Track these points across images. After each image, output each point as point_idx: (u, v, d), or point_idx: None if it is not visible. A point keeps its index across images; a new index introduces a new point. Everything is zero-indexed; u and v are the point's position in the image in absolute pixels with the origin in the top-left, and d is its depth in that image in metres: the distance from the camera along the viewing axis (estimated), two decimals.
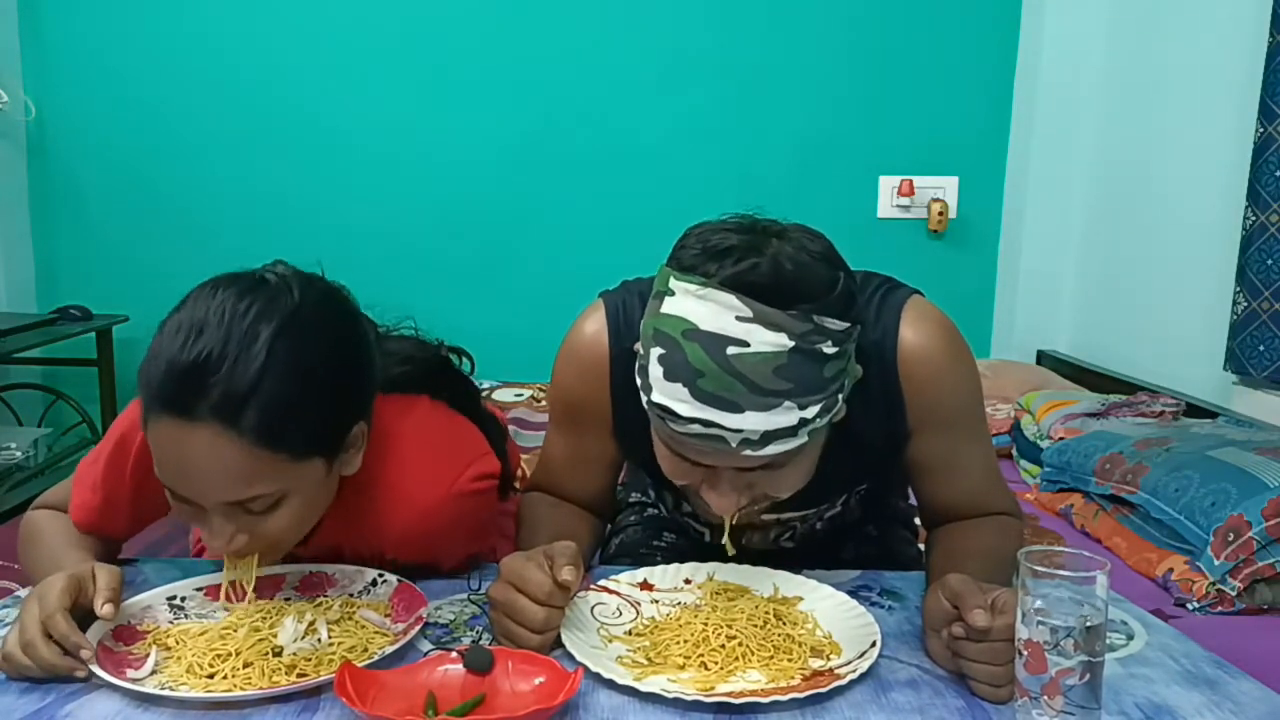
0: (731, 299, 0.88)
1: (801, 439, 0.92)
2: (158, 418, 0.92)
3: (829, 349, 0.91)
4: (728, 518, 1.03)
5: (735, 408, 0.89)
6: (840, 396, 0.95)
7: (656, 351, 0.92)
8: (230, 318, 0.92)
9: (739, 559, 1.15)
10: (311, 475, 0.99)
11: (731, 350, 0.88)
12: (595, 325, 1.14)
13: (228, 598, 1.04)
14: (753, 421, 0.89)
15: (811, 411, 0.91)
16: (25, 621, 0.92)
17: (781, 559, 1.38)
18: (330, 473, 1.02)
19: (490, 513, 1.21)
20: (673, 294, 0.92)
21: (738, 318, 0.88)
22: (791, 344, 0.89)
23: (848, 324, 0.93)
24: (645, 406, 0.96)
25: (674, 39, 3.28)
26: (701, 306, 0.90)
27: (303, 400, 0.94)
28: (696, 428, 0.90)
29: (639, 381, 0.96)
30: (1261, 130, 2.24)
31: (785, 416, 0.90)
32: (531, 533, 1.16)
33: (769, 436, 0.90)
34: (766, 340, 0.88)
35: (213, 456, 0.91)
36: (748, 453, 0.91)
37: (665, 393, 0.91)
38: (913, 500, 1.47)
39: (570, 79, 3.31)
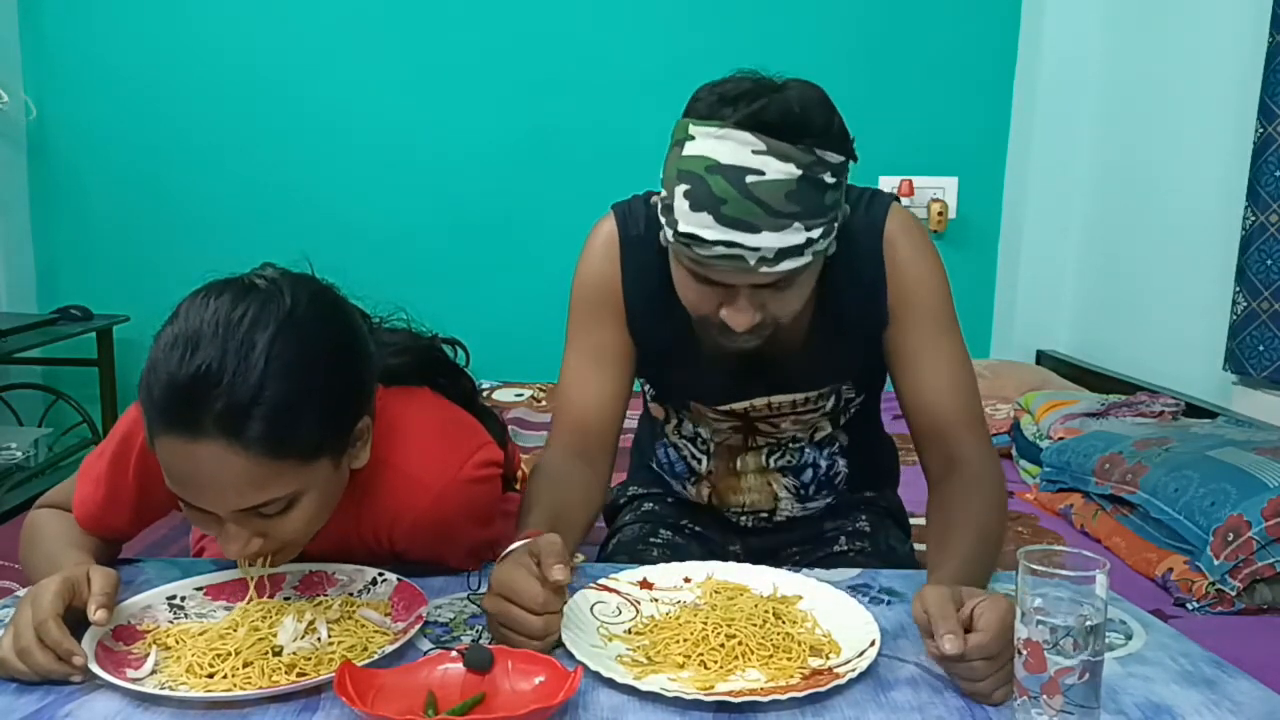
0: (748, 135, 1.02)
1: (807, 258, 1.06)
2: (162, 435, 0.92)
3: (829, 179, 1.05)
4: (745, 334, 1.12)
5: (753, 229, 1.02)
6: (836, 224, 1.09)
7: (681, 188, 1.04)
8: (225, 328, 0.92)
9: (740, 553, 1.15)
10: (321, 474, 0.99)
11: (750, 179, 1.01)
12: (607, 224, 1.29)
13: (259, 590, 1.04)
14: (768, 240, 1.02)
15: (816, 233, 1.05)
16: (19, 626, 0.92)
17: (780, 548, 1.39)
18: (339, 469, 1.02)
19: (496, 500, 1.22)
20: (693, 138, 1.05)
21: (753, 151, 1.02)
22: (800, 172, 1.02)
23: (843, 158, 1.07)
24: (670, 240, 1.09)
25: (674, 38, 3.28)
26: (721, 145, 1.02)
27: (305, 403, 0.94)
28: (720, 249, 1.03)
29: (663, 219, 1.09)
30: (1261, 130, 2.24)
31: (795, 236, 1.03)
32: (527, 509, 1.15)
33: (781, 254, 1.03)
34: (779, 169, 1.02)
35: (221, 469, 0.91)
36: (764, 269, 1.04)
37: (692, 222, 1.04)
38: (907, 500, 1.49)
39: (570, 78, 3.31)
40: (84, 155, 3.33)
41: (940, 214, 3.29)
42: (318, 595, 1.09)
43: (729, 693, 0.89)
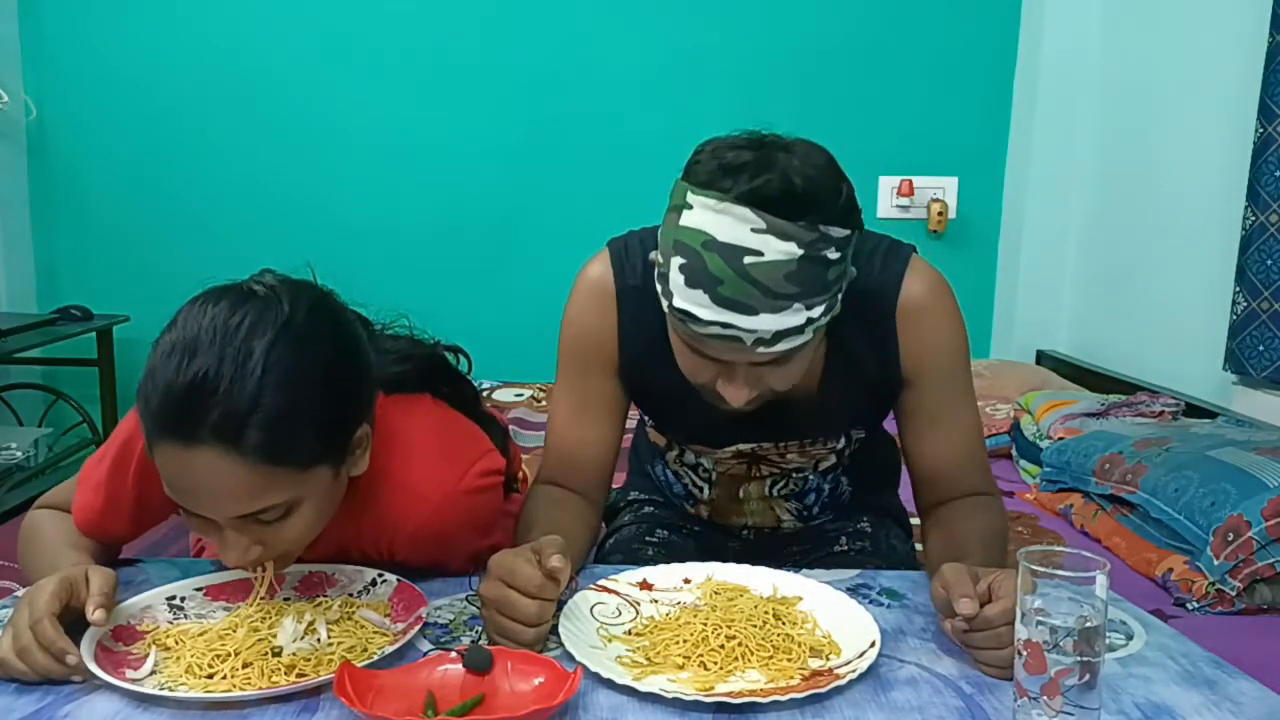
0: (747, 212, 0.97)
1: (808, 335, 1.02)
2: (161, 443, 0.92)
3: (832, 254, 1.00)
4: (741, 405, 1.10)
5: (750, 310, 0.98)
6: (839, 296, 1.05)
7: (677, 260, 1.00)
8: (223, 335, 0.91)
9: (738, 554, 1.15)
10: (319, 482, 0.98)
11: (748, 260, 0.97)
12: (600, 267, 1.23)
13: (270, 594, 1.04)
14: (766, 323, 0.98)
15: (817, 311, 1.01)
16: (17, 626, 0.92)
17: (779, 549, 1.40)
18: (338, 477, 1.02)
19: (497, 509, 1.21)
20: (690, 207, 1.00)
21: (752, 229, 0.97)
22: (800, 252, 0.97)
23: (849, 231, 1.01)
24: (666, 311, 1.04)
25: (674, 38, 3.28)
26: (719, 220, 0.98)
27: (303, 412, 0.94)
28: (716, 329, 0.99)
29: (659, 288, 1.05)
30: (1261, 130, 2.24)
31: (794, 317, 0.99)
32: (526, 528, 1.16)
33: (780, 335, 1.00)
34: (778, 249, 0.97)
35: (219, 477, 0.91)
36: (761, 350, 1.00)
37: (687, 299, 1.00)
38: (906, 500, 1.49)
39: (570, 78, 3.31)
40: (84, 155, 3.33)
41: (940, 214, 3.29)
42: (317, 596, 1.09)
43: (729, 694, 0.89)
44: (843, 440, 1.32)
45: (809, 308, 1.00)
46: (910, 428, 1.24)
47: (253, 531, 0.97)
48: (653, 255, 1.07)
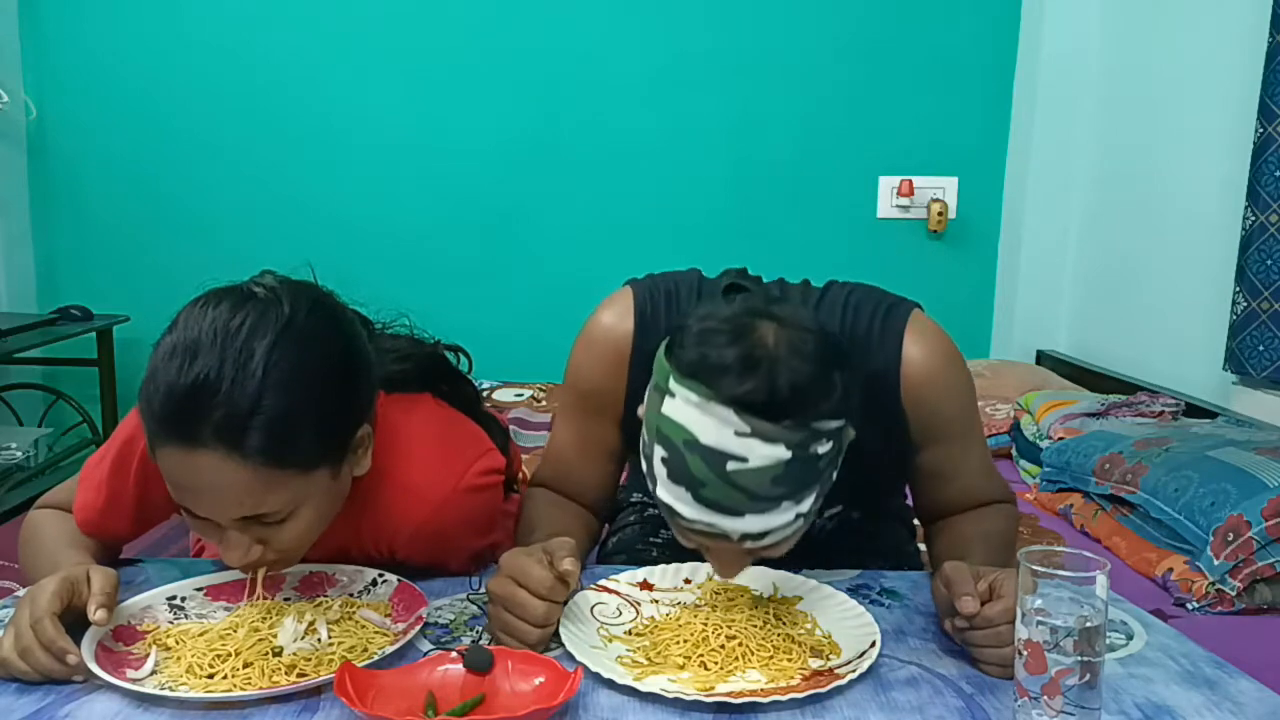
0: (730, 414, 0.90)
1: (797, 525, 0.95)
2: (163, 445, 0.92)
3: (823, 448, 0.93)
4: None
5: (735, 513, 0.92)
6: (834, 475, 0.98)
7: (660, 452, 0.95)
8: (223, 336, 0.92)
9: None
10: (321, 483, 0.98)
11: (731, 465, 0.90)
12: (619, 317, 1.17)
13: (266, 589, 1.04)
14: (752, 523, 0.93)
15: (806, 505, 0.95)
16: (19, 626, 0.92)
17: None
18: (340, 477, 1.02)
19: (497, 508, 1.22)
20: (673, 395, 0.93)
21: (736, 433, 0.90)
22: (788, 455, 0.91)
23: (841, 421, 0.95)
24: (650, 490, 0.98)
25: (674, 39, 3.28)
26: (702, 419, 0.91)
27: (304, 413, 0.94)
28: (700, 526, 0.94)
29: (644, 466, 0.99)
30: (1261, 130, 2.24)
31: (782, 516, 0.93)
32: (528, 529, 1.16)
33: (767, 532, 0.94)
34: (764, 454, 0.90)
35: (221, 479, 0.91)
36: (750, 544, 0.95)
37: (669, 493, 0.94)
38: (909, 499, 1.48)
39: (570, 78, 3.31)
40: (84, 155, 3.33)
41: (940, 214, 3.29)
42: (318, 596, 1.09)
43: (729, 694, 0.89)
44: (840, 509, 1.30)
45: (798, 503, 0.94)
46: (919, 483, 1.23)
47: (255, 532, 0.97)
48: (640, 410, 1.01)
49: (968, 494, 1.21)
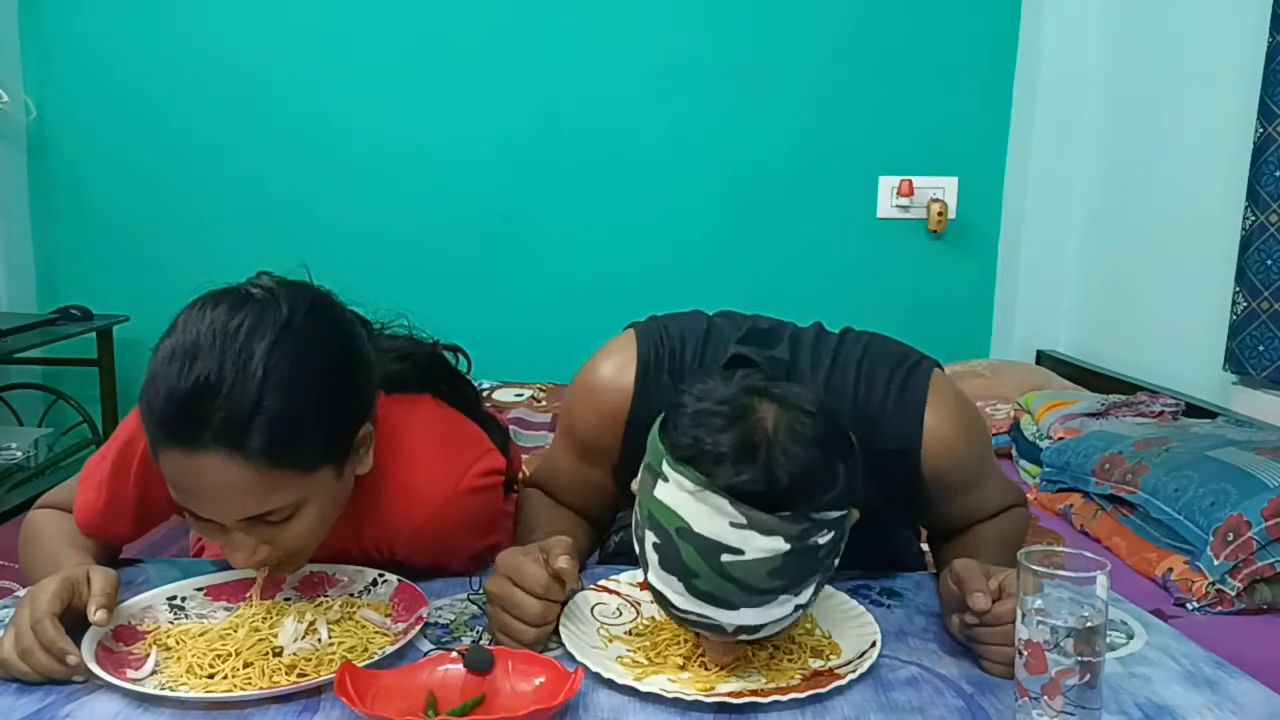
0: (725, 504, 0.86)
1: (795, 617, 0.91)
2: (165, 448, 0.92)
3: (823, 538, 0.89)
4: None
5: (729, 605, 0.88)
6: (834, 564, 0.93)
7: (651, 538, 0.91)
8: (222, 338, 0.91)
9: None
10: (324, 482, 0.98)
11: (726, 557, 0.86)
12: (619, 370, 1.12)
13: (267, 586, 1.04)
14: (747, 616, 0.88)
15: (805, 596, 0.90)
16: (19, 627, 0.92)
17: None
18: (342, 476, 1.02)
19: (497, 509, 1.22)
20: (666, 479, 0.89)
21: (732, 524, 0.86)
22: (787, 547, 0.86)
23: (844, 511, 0.91)
24: (645, 578, 0.94)
25: (673, 39, 3.28)
26: (696, 506, 0.87)
27: (305, 413, 0.94)
28: (692, 617, 0.90)
29: (636, 548, 0.94)
30: (1261, 130, 2.24)
31: (780, 609, 0.89)
32: (528, 529, 1.16)
33: (763, 625, 0.90)
34: (762, 546, 0.86)
35: (223, 480, 0.91)
36: (744, 637, 0.91)
37: (661, 581, 0.90)
38: None
39: (570, 79, 3.31)
40: (84, 155, 3.33)
41: (940, 214, 3.29)
42: (318, 596, 1.09)
43: (729, 694, 0.89)
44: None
45: (797, 595, 0.89)
46: (933, 521, 1.23)
47: (260, 532, 0.97)
48: (634, 485, 0.96)
49: (982, 518, 1.22)
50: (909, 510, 1.17)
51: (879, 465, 1.01)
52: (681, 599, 0.89)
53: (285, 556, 1.01)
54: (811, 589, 0.90)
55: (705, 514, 0.86)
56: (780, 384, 0.93)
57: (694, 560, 0.87)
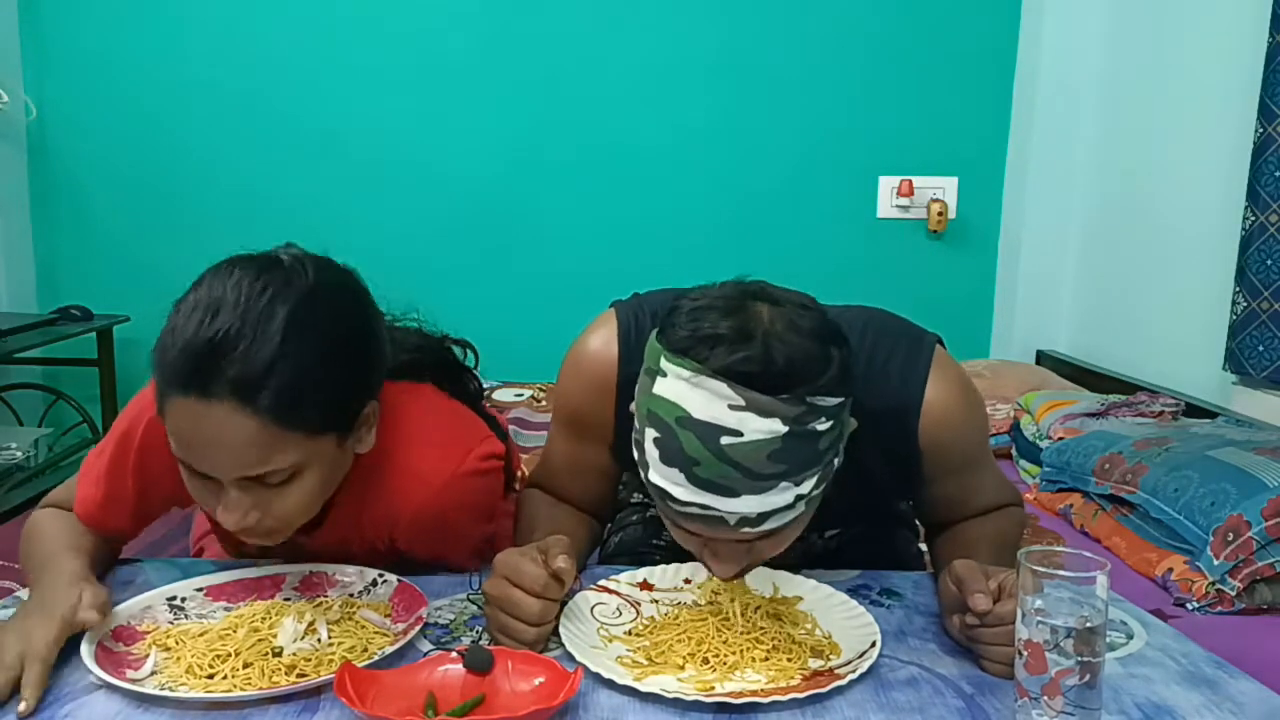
0: (723, 387, 0.87)
1: (798, 510, 0.92)
2: (174, 396, 0.93)
3: (822, 425, 0.90)
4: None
5: (731, 492, 0.88)
6: (835, 461, 0.95)
7: (651, 434, 0.91)
8: (246, 297, 0.93)
9: None
10: (325, 450, 0.99)
11: (725, 440, 0.87)
12: (604, 341, 1.14)
13: (262, 585, 1.05)
14: (749, 504, 0.89)
15: (807, 487, 0.91)
16: (3, 657, 0.91)
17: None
18: (343, 449, 1.03)
19: (497, 493, 1.22)
20: (664, 374, 0.90)
21: (730, 406, 0.87)
22: (785, 429, 0.87)
23: (841, 398, 0.92)
24: (643, 481, 0.95)
25: (674, 40, 3.28)
26: (694, 393, 0.88)
27: (317, 379, 0.95)
28: (694, 509, 0.90)
29: (635, 455, 0.95)
30: (1261, 130, 2.24)
31: (781, 496, 0.90)
32: (528, 529, 1.16)
33: (766, 515, 0.90)
34: (759, 428, 0.87)
35: (230, 433, 0.92)
36: (746, 529, 0.91)
37: (662, 475, 0.91)
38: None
39: (572, 80, 3.31)
40: (84, 155, 3.33)
41: (940, 214, 3.29)
42: (318, 596, 1.09)
43: (729, 694, 0.89)
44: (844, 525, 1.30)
45: (798, 484, 0.90)
46: (927, 506, 1.23)
47: (255, 494, 0.97)
48: (632, 406, 0.97)
49: (976, 510, 1.22)
50: (906, 481, 1.16)
51: (877, 425, 1.02)
52: (683, 490, 0.89)
53: (274, 525, 1.01)
54: (812, 482, 0.91)
55: (703, 399, 0.87)
56: (777, 289, 0.95)
57: (694, 447, 0.88)
